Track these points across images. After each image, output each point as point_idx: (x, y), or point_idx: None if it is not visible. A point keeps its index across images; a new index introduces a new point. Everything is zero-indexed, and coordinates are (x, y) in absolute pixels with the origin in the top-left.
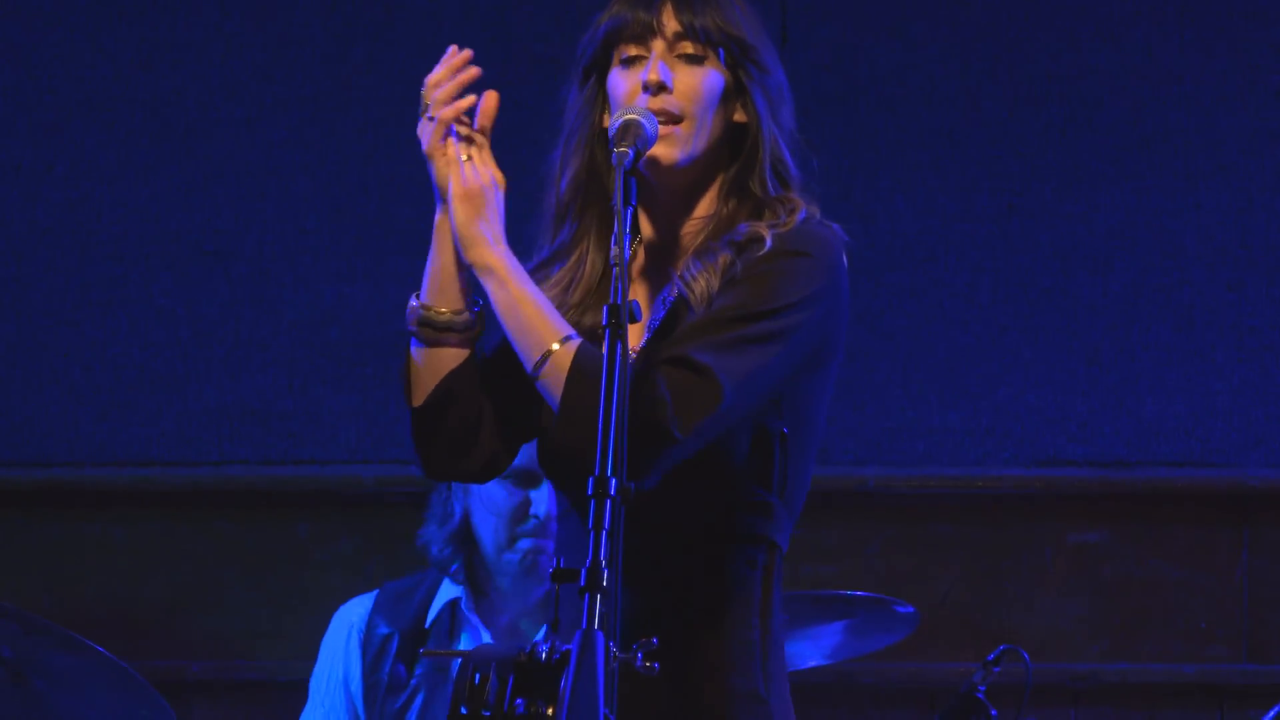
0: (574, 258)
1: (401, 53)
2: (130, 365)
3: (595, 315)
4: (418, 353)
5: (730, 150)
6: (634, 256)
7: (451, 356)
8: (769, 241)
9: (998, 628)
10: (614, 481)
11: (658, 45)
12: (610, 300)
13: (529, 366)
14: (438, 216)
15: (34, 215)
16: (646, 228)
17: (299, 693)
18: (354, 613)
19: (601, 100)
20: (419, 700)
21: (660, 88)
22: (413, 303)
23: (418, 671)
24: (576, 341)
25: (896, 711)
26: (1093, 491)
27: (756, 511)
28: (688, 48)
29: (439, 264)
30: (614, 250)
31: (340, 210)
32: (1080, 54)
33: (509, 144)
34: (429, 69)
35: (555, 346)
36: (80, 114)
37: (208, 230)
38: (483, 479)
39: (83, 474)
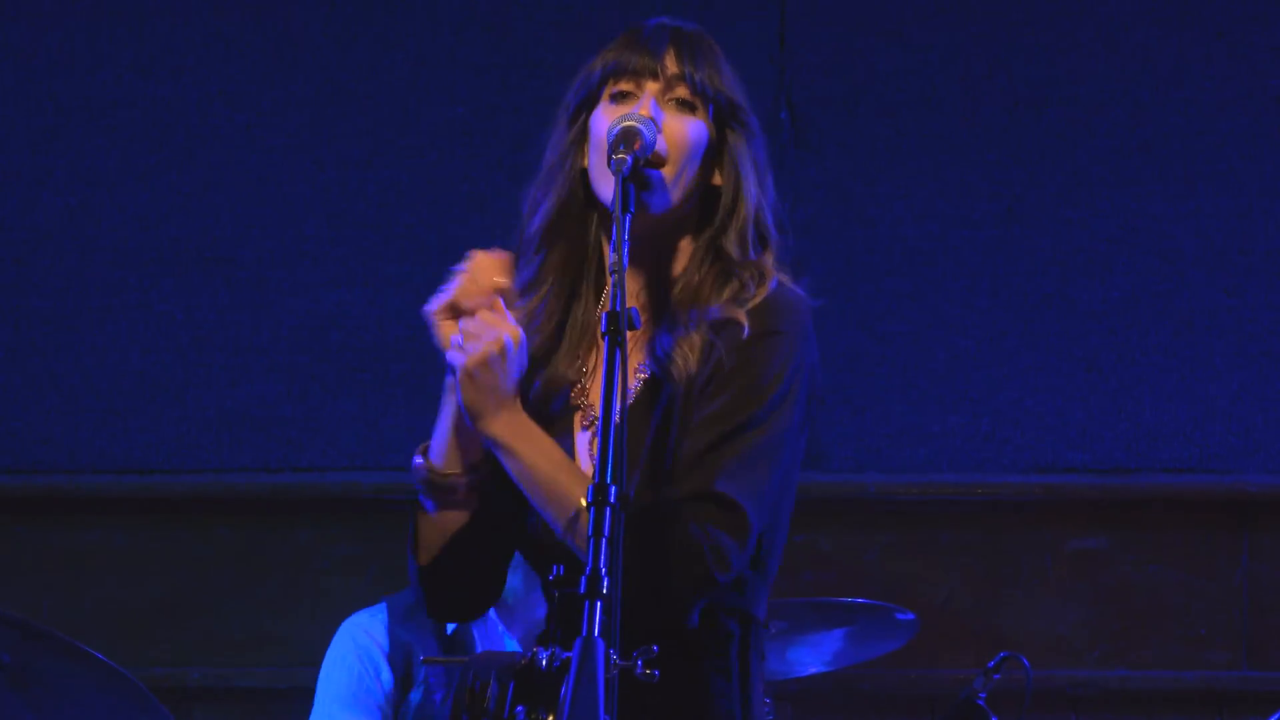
0: (537, 297)
1: (401, 59)
2: (130, 372)
3: (556, 369)
4: (426, 507)
5: (700, 213)
6: (601, 307)
7: (456, 516)
8: (746, 327)
9: (998, 634)
10: (613, 489)
11: (652, 86)
12: (609, 308)
13: (559, 530)
14: (448, 379)
15: (34, 221)
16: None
17: (299, 699)
18: (369, 626)
19: (584, 140)
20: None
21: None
22: (418, 460)
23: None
24: None
25: (897, 718)
26: (1092, 497)
27: (730, 588)
28: (682, 92)
29: (444, 426)
30: (612, 258)
31: (340, 217)
32: (1079, 59)
33: (506, 149)
34: (427, 74)
35: (582, 504)
36: (80, 120)
37: (207, 237)
38: (481, 614)
39: (83, 480)
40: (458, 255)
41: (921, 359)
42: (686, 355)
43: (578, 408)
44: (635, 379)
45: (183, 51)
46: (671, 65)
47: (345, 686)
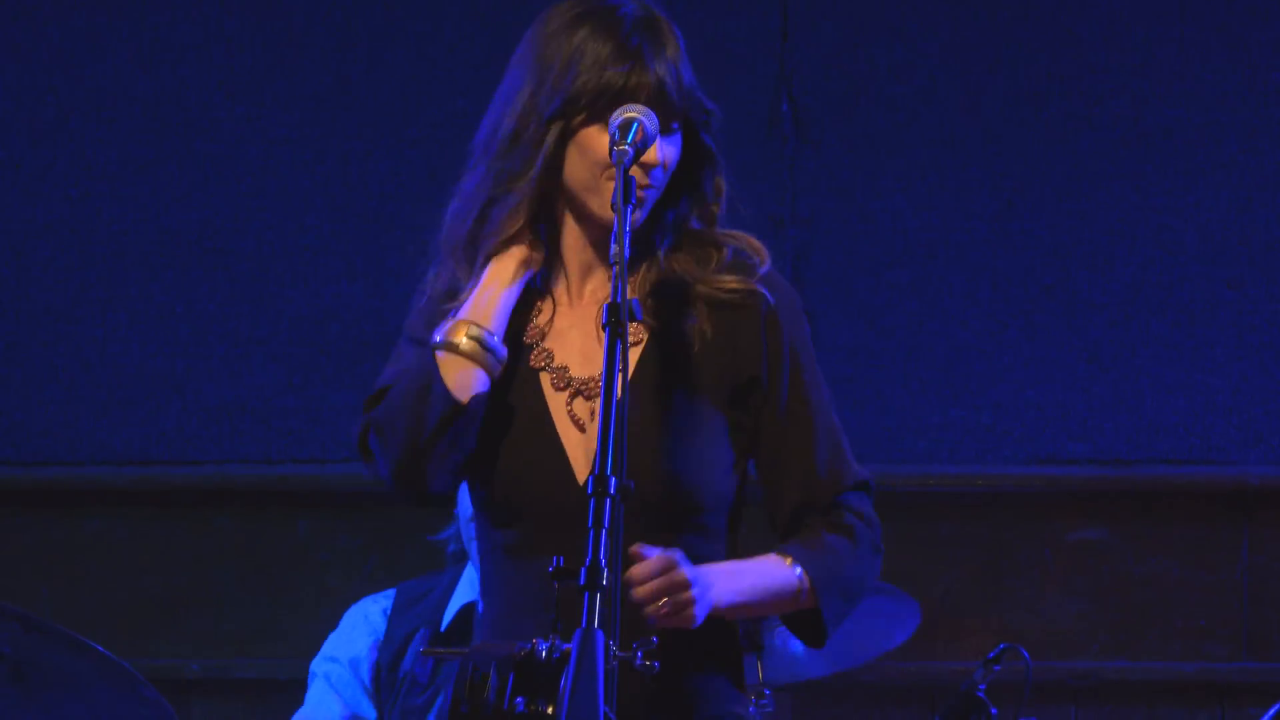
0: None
1: (402, 51)
2: (130, 363)
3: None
4: (453, 365)
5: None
6: (545, 293)
7: (481, 380)
8: (783, 319)
9: (998, 626)
10: (613, 480)
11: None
12: (610, 299)
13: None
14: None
15: (34, 213)
16: (569, 264)
17: (298, 690)
18: (371, 611)
19: (565, 147)
20: (440, 700)
21: (657, 167)
22: (485, 334)
23: (443, 669)
24: None
25: (897, 709)
26: (1093, 489)
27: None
28: (670, 115)
29: (504, 307)
30: (614, 248)
31: (340, 208)
32: (1080, 52)
33: None
34: (429, 67)
35: (796, 583)
36: (80, 112)
37: (208, 228)
38: (436, 504)
39: (83, 472)
40: None
41: (922, 351)
42: (702, 322)
43: (542, 368)
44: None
45: (183, 44)
46: (660, 88)
47: (334, 657)
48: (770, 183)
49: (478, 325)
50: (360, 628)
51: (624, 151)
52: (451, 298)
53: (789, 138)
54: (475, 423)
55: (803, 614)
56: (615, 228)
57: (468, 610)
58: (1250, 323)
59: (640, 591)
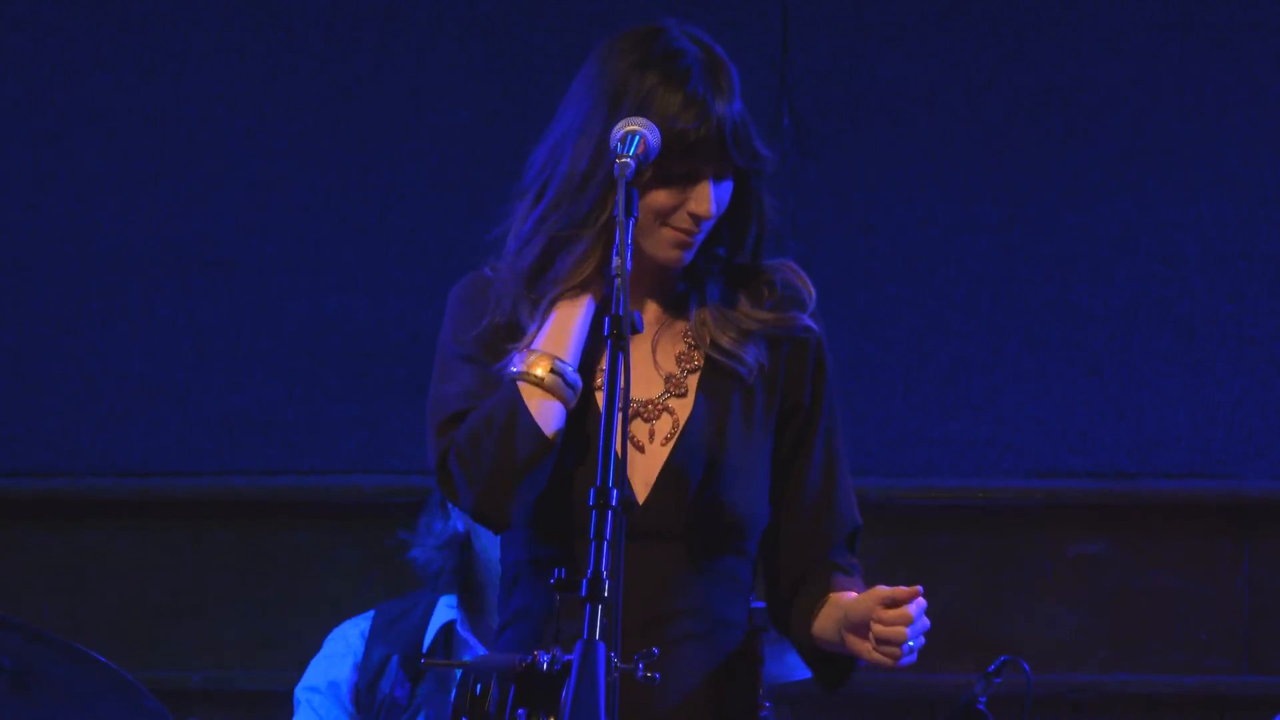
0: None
1: (403, 63)
2: (131, 375)
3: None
4: (535, 397)
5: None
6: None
7: (561, 414)
8: (827, 356)
9: (998, 638)
10: (614, 493)
11: (710, 168)
12: (612, 311)
13: None
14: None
15: (35, 225)
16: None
17: None
18: (350, 635)
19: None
20: (420, 719)
21: (708, 220)
22: (564, 366)
23: (420, 690)
24: None
25: None
26: (1093, 502)
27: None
28: (729, 169)
29: (577, 339)
30: (615, 261)
31: (341, 220)
32: (1081, 64)
33: (508, 154)
34: (430, 79)
35: None
36: (81, 123)
37: (209, 240)
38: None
39: (84, 483)
40: (459, 259)
41: (923, 364)
42: (759, 359)
43: (599, 389)
44: (679, 368)
45: (184, 56)
46: (721, 140)
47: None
48: (771, 195)
49: (555, 357)
50: (340, 651)
51: (625, 164)
52: (513, 333)
53: (790, 150)
54: (556, 456)
55: (839, 659)
56: (617, 239)
57: (447, 630)
58: (1251, 336)
59: (902, 628)
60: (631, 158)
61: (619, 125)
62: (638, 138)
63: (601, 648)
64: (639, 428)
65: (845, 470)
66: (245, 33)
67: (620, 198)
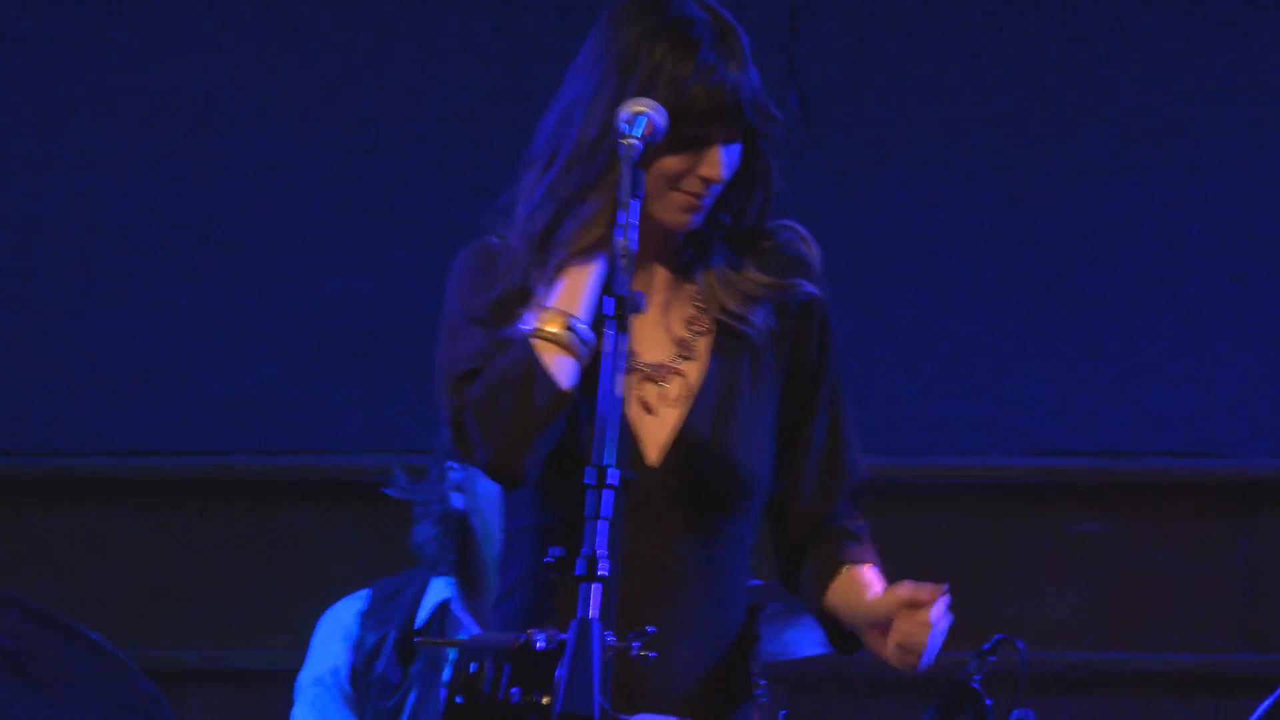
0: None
1: (407, 45)
2: (134, 355)
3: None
4: (549, 353)
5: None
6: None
7: (575, 368)
8: (832, 316)
9: (998, 617)
10: (614, 471)
11: (717, 134)
12: (613, 290)
13: None
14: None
15: (39, 206)
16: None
17: None
18: (344, 616)
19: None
20: (411, 698)
21: (716, 184)
22: (577, 324)
23: (412, 670)
24: None
25: (892, 700)
26: (1094, 481)
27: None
28: (739, 132)
29: (590, 298)
30: (619, 241)
31: (345, 202)
32: (1086, 46)
33: (513, 135)
34: (434, 61)
35: None
36: (85, 105)
37: (212, 221)
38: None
39: (86, 463)
40: (463, 240)
41: (925, 344)
42: (767, 322)
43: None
44: (688, 331)
45: (189, 38)
46: (734, 104)
47: (316, 675)
48: (776, 159)
49: (568, 314)
50: (336, 634)
51: (632, 145)
52: (524, 299)
53: (795, 129)
54: (569, 411)
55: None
56: (621, 218)
57: (442, 610)
58: (1254, 316)
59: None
60: (638, 139)
61: (625, 106)
62: (644, 119)
63: (596, 626)
64: (649, 390)
65: (852, 426)
66: (249, 14)
67: (625, 179)
